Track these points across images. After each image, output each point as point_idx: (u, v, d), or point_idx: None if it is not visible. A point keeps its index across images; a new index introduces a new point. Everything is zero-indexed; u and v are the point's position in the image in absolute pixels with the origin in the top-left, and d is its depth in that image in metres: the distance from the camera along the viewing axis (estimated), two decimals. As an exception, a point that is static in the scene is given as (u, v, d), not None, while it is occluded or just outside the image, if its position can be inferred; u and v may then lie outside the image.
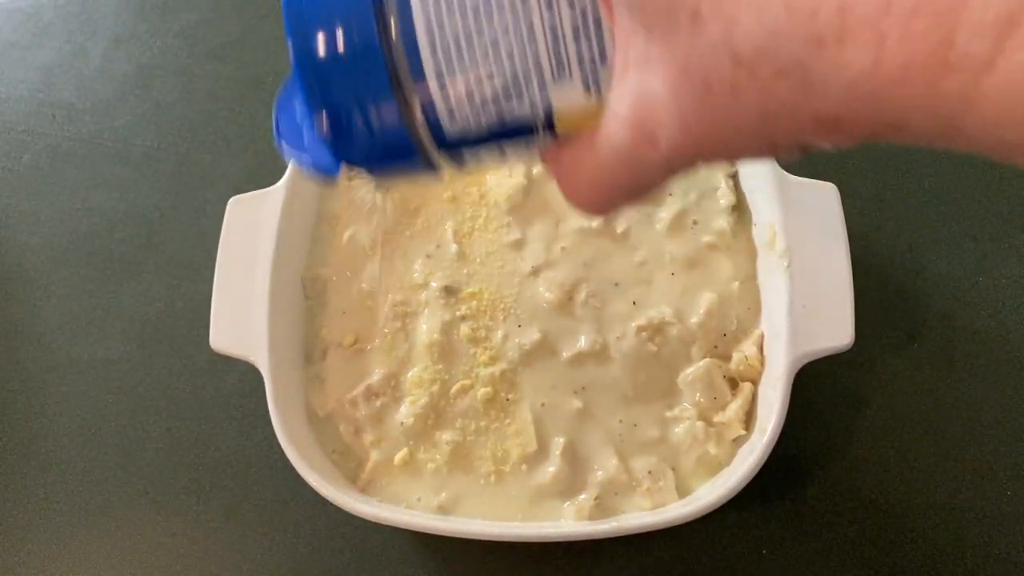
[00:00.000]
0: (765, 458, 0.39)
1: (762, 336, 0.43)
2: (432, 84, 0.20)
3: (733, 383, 0.43)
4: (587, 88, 0.20)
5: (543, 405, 0.43)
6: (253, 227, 0.45)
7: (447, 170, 0.23)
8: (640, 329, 0.44)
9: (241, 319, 0.43)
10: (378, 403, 0.44)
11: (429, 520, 0.41)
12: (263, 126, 0.57)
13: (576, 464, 0.43)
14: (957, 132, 0.15)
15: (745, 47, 0.16)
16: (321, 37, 0.21)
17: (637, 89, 0.18)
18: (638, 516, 0.41)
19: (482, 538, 0.42)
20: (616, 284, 0.45)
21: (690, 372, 0.43)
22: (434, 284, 0.46)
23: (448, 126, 0.21)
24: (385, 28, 0.20)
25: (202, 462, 0.50)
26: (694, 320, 0.44)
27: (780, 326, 0.41)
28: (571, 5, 0.19)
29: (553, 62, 0.20)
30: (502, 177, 0.47)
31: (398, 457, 0.43)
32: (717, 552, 0.45)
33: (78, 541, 0.49)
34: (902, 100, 0.15)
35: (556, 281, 0.45)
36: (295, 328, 0.46)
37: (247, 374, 0.48)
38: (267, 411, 0.41)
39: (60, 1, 0.62)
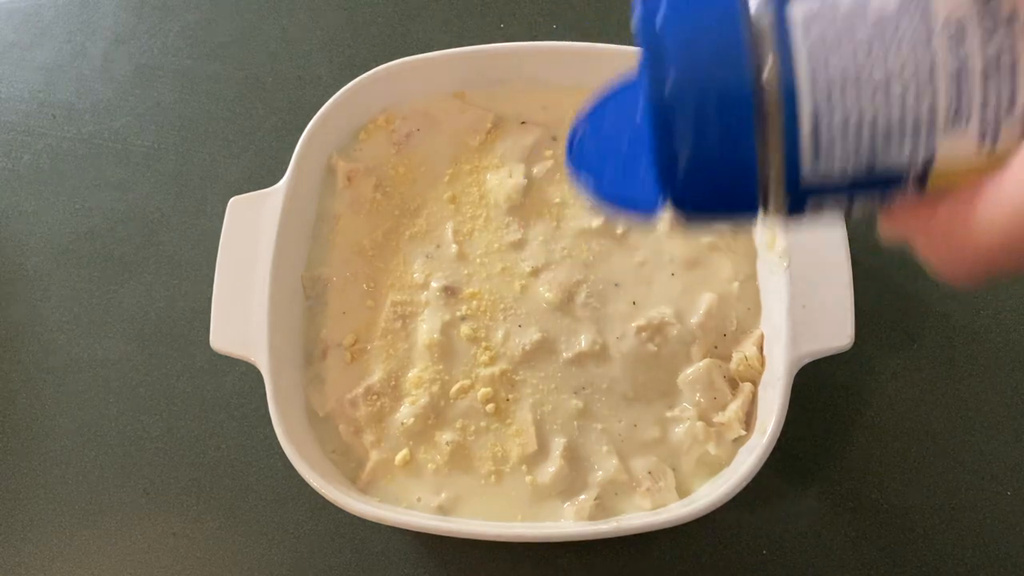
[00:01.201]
0: (765, 458, 0.39)
1: (762, 336, 0.43)
2: (804, 120, 0.18)
3: (733, 383, 0.43)
4: (982, 139, 0.18)
5: (543, 405, 0.43)
6: (253, 227, 0.45)
7: (767, 217, 0.21)
8: (640, 329, 0.44)
9: (241, 319, 0.43)
10: (378, 403, 0.44)
11: (429, 520, 0.41)
12: (263, 126, 0.57)
13: (576, 464, 0.43)
14: None
15: None
16: (679, 59, 0.19)
17: None
18: (638, 516, 0.41)
19: (482, 538, 0.42)
20: (616, 284, 0.45)
21: (690, 372, 0.43)
22: (434, 284, 0.46)
23: (808, 170, 0.19)
24: (758, 60, 0.18)
25: (202, 462, 0.50)
26: (694, 320, 0.44)
27: (780, 326, 0.41)
28: (983, 46, 0.17)
29: (952, 107, 0.18)
30: (502, 177, 0.47)
31: (398, 457, 0.43)
32: (717, 552, 0.45)
33: (78, 541, 0.49)
34: None
35: (556, 281, 0.45)
36: (295, 328, 0.46)
37: (247, 374, 0.48)
38: (267, 411, 0.41)
39: (60, 1, 0.62)
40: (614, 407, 0.43)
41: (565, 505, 0.42)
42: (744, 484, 0.39)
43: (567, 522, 0.42)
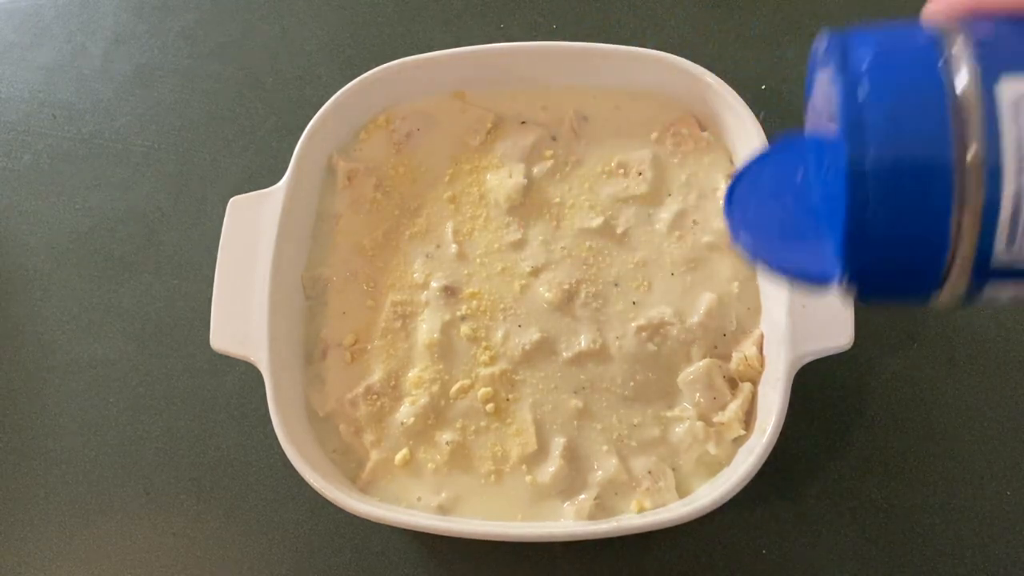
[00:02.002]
0: (765, 458, 0.39)
1: (762, 336, 0.43)
2: (1006, 202, 0.18)
3: (733, 383, 0.43)
4: None
5: (543, 405, 0.43)
6: (253, 227, 0.45)
7: (940, 301, 0.20)
8: (640, 329, 0.44)
9: (241, 319, 0.43)
10: (378, 403, 0.44)
11: (429, 520, 0.41)
12: (263, 126, 0.57)
13: (576, 464, 0.43)
14: None
15: None
16: (881, 141, 0.19)
17: None
18: (638, 516, 0.41)
19: (482, 538, 0.42)
20: (616, 284, 0.45)
21: (690, 372, 0.43)
22: (434, 284, 0.46)
23: (1001, 253, 0.18)
24: (962, 141, 0.18)
25: (202, 462, 0.50)
26: (694, 320, 0.44)
27: (780, 326, 0.41)
28: None
29: None
30: (502, 177, 0.47)
31: (398, 457, 0.43)
32: (717, 552, 0.45)
33: (78, 541, 0.49)
34: None
35: (556, 281, 0.45)
36: (295, 328, 0.46)
37: (247, 374, 0.48)
38: (267, 411, 0.41)
39: (60, 1, 0.62)
40: (614, 407, 0.43)
41: (565, 505, 0.42)
42: (744, 484, 0.39)
43: (567, 522, 0.42)
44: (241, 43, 0.60)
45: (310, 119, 0.47)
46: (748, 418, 0.42)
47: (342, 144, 0.49)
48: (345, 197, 0.48)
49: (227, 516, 0.48)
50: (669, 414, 0.43)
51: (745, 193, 0.25)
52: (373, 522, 0.40)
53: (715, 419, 0.42)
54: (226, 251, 0.45)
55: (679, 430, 0.43)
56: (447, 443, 0.43)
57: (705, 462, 0.42)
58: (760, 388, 0.43)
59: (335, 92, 0.47)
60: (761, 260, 0.24)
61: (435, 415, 0.44)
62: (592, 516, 0.41)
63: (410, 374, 0.45)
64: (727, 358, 0.44)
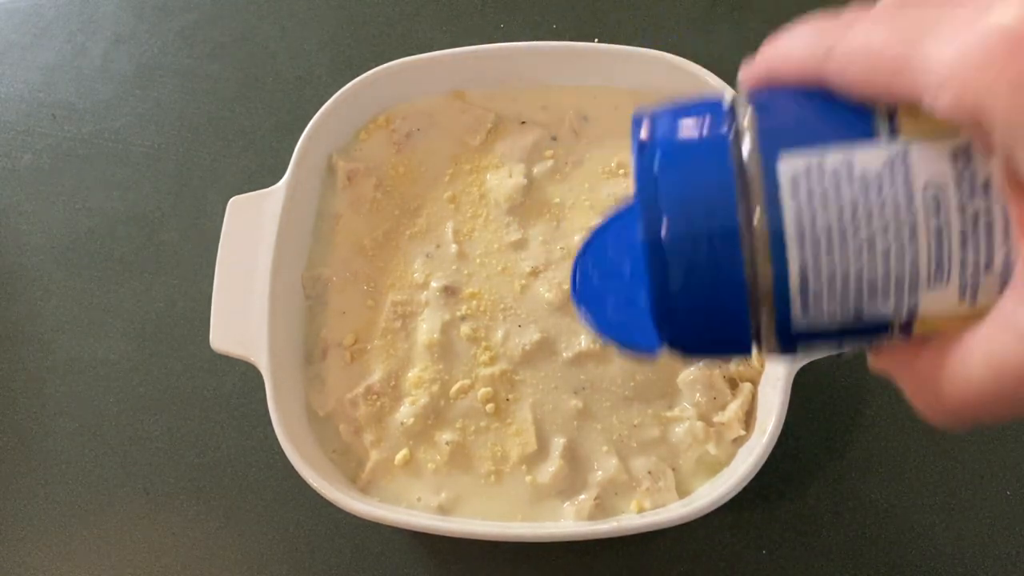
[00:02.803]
0: (765, 458, 0.39)
1: (762, 336, 0.43)
2: (793, 279, 0.19)
3: (733, 383, 0.43)
4: (963, 295, 0.19)
5: (543, 405, 0.43)
6: (253, 227, 0.45)
7: (762, 353, 0.22)
8: (640, 329, 0.44)
9: (241, 319, 0.43)
10: (378, 403, 0.44)
11: (429, 520, 0.41)
12: (263, 126, 0.57)
13: (576, 464, 0.43)
14: None
15: None
16: (672, 217, 0.19)
17: None
18: (638, 516, 0.41)
19: (482, 538, 0.42)
20: (616, 284, 0.45)
21: (690, 372, 0.43)
22: (434, 284, 0.46)
23: (798, 321, 0.20)
24: (747, 220, 0.19)
25: (202, 462, 0.50)
26: (694, 320, 0.44)
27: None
28: (961, 210, 0.18)
29: (932, 265, 0.18)
30: (502, 177, 0.47)
31: (398, 457, 0.43)
32: (717, 552, 0.45)
33: (78, 541, 0.49)
34: None
35: (556, 281, 0.45)
36: (295, 328, 0.46)
37: (247, 374, 0.48)
38: (267, 411, 0.41)
39: (60, 1, 0.62)
40: (614, 407, 0.43)
41: (565, 505, 0.42)
42: (744, 484, 0.39)
43: (567, 522, 0.42)
44: (241, 43, 0.60)
45: (310, 119, 0.47)
46: (748, 418, 0.42)
47: (342, 144, 0.49)
48: (345, 197, 0.48)
49: (227, 516, 0.48)
50: (669, 414, 0.43)
51: (590, 259, 0.26)
52: (373, 522, 0.40)
53: (715, 419, 0.42)
54: (226, 251, 0.45)
55: (679, 430, 0.43)
56: (447, 443, 0.43)
57: (705, 462, 0.42)
58: (760, 388, 0.43)
59: (335, 92, 0.47)
60: (595, 329, 0.25)
61: (435, 415, 0.44)
62: (592, 516, 0.41)
63: (410, 374, 0.45)
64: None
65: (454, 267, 0.46)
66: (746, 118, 0.20)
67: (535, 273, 0.46)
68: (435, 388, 0.44)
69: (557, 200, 0.47)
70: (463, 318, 0.45)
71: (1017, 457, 0.46)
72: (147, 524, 0.49)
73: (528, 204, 0.47)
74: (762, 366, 0.43)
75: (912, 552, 0.45)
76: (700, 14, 0.57)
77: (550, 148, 0.48)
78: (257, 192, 0.46)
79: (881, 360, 0.22)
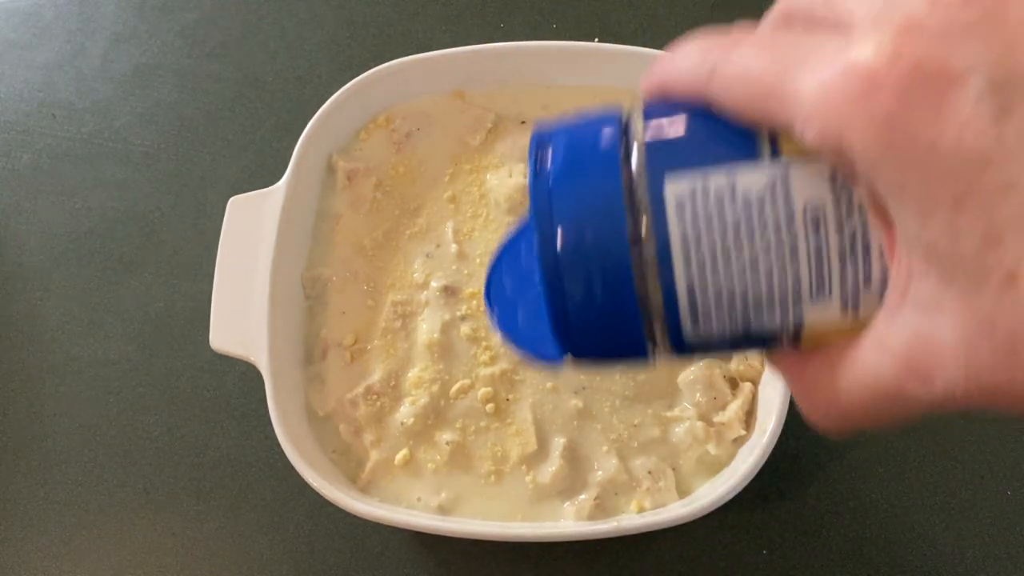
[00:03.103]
0: (765, 458, 0.39)
1: (762, 336, 0.43)
2: (682, 296, 0.19)
3: (733, 383, 0.43)
4: (845, 308, 0.19)
5: (543, 405, 0.43)
6: (253, 227, 0.45)
7: (661, 359, 0.22)
8: (640, 329, 0.44)
9: (241, 319, 0.43)
10: (378, 403, 0.44)
11: (429, 520, 0.41)
12: (263, 126, 0.57)
13: (576, 464, 0.43)
14: None
15: None
16: (565, 232, 0.20)
17: (916, 330, 0.18)
18: (638, 516, 0.41)
19: (482, 538, 0.42)
20: (616, 284, 0.45)
21: (690, 372, 0.43)
22: (434, 284, 0.46)
23: (689, 333, 0.20)
24: (636, 238, 0.19)
25: (202, 462, 0.50)
26: (694, 320, 0.44)
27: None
28: (839, 230, 0.19)
29: (814, 282, 0.19)
30: (502, 177, 0.47)
31: (398, 457, 0.43)
32: (717, 552, 0.45)
33: (78, 541, 0.49)
34: None
35: (556, 281, 0.45)
36: (295, 328, 0.46)
37: (247, 374, 0.48)
38: (267, 411, 0.41)
39: (60, 1, 0.62)
40: (614, 407, 0.43)
41: (565, 505, 0.42)
42: (744, 484, 0.39)
43: (567, 522, 0.42)
44: (241, 43, 0.60)
45: (310, 119, 0.47)
46: (748, 418, 0.42)
47: (342, 144, 0.49)
48: (345, 197, 0.48)
49: (227, 516, 0.48)
50: (669, 414, 0.43)
51: (503, 267, 0.26)
52: (373, 522, 0.40)
53: (715, 419, 0.42)
54: (226, 251, 0.45)
55: (679, 430, 0.43)
56: (447, 443, 0.43)
57: (705, 462, 0.42)
58: (760, 388, 0.43)
59: (335, 92, 0.47)
60: (505, 338, 0.25)
61: (435, 415, 0.44)
62: (592, 516, 0.41)
63: (410, 374, 0.44)
64: (727, 358, 0.44)
65: (454, 267, 0.46)
66: (636, 134, 0.20)
67: (535, 273, 0.46)
68: (435, 388, 0.44)
69: (557, 200, 0.47)
70: (463, 318, 0.45)
71: (1017, 457, 0.46)
72: (147, 524, 0.49)
73: (528, 204, 0.47)
74: (762, 366, 0.43)
75: (912, 552, 0.45)
76: (700, 14, 0.57)
77: (550, 148, 0.48)
78: (257, 192, 0.46)
79: (774, 364, 0.23)
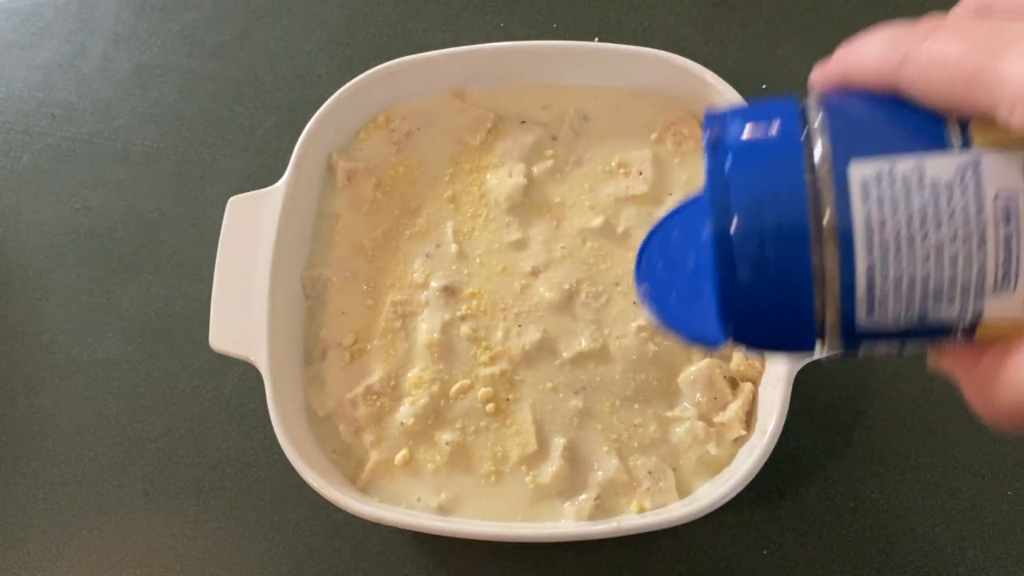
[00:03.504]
0: (765, 458, 0.39)
1: (762, 336, 0.43)
2: (860, 281, 0.19)
3: (733, 383, 0.43)
4: None
5: (543, 405, 0.43)
6: (253, 227, 0.45)
7: (824, 351, 0.22)
8: (640, 329, 0.44)
9: (241, 319, 0.43)
10: (378, 403, 0.44)
11: (429, 520, 0.41)
12: (263, 126, 0.57)
13: (576, 464, 0.43)
14: None
15: None
16: (742, 215, 0.20)
17: None
18: (638, 516, 0.41)
19: (482, 538, 0.42)
20: (616, 284, 0.45)
21: (691, 372, 0.43)
22: (434, 284, 0.46)
23: (863, 321, 0.20)
24: (817, 221, 0.19)
25: (202, 462, 0.50)
26: (694, 320, 0.44)
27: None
28: None
29: (999, 274, 0.19)
30: (502, 177, 0.47)
31: (398, 457, 0.43)
32: (717, 552, 0.45)
33: (78, 541, 0.49)
34: None
35: (556, 281, 0.45)
36: (295, 328, 0.46)
37: (247, 374, 0.48)
38: (267, 411, 0.41)
39: (60, 1, 0.62)
40: (614, 407, 0.43)
41: (565, 505, 0.42)
42: (744, 484, 0.39)
43: (567, 522, 0.42)
44: (241, 43, 0.60)
45: (310, 119, 0.47)
46: (749, 418, 0.42)
47: (342, 144, 0.49)
48: (345, 197, 0.48)
49: (227, 516, 0.48)
50: (669, 414, 0.43)
51: (655, 249, 0.26)
52: (373, 522, 0.40)
53: (716, 419, 0.42)
54: (225, 251, 0.44)
55: (679, 430, 0.43)
56: (447, 443, 0.43)
57: (706, 462, 0.42)
58: (761, 388, 0.43)
59: (335, 92, 0.47)
60: (659, 319, 0.25)
61: (435, 415, 0.44)
62: (592, 516, 0.41)
63: (410, 374, 0.44)
64: (728, 358, 0.44)
65: (454, 267, 0.46)
66: (817, 121, 0.20)
67: (535, 273, 0.46)
68: (435, 388, 0.44)
69: (557, 200, 0.47)
70: (463, 318, 0.45)
71: (1018, 457, 0.46)
72: (147, 524, 0.49)
73: (528, 204, 0.47)
74: (762, 366, 0.43)
75: (912, 552, 0.45)
76: (700, 14, 0.57)
77: (550, 147, 0.48)
78: (257, 192, 0.46)
79: (942, 361, 0.22)
